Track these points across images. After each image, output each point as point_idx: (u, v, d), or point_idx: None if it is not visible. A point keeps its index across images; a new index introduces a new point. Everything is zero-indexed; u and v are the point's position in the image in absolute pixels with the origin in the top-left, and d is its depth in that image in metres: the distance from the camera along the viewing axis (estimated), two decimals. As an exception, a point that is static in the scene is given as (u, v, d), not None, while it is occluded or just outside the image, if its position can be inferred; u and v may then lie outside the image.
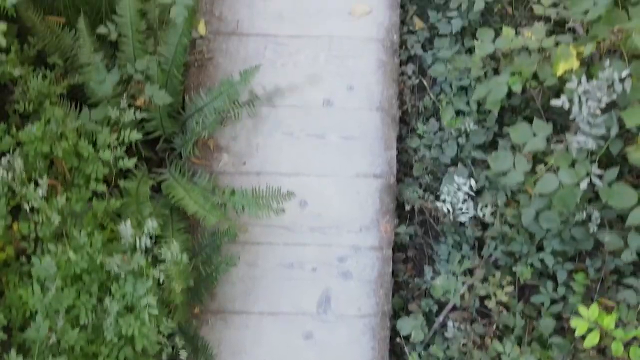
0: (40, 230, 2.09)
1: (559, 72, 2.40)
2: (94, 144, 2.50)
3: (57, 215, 2.04)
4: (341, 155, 2.97)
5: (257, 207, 2.47)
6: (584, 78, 2.19)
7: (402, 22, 3.18)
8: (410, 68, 3.14)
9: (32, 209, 2.06)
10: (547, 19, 2.90)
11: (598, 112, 2.14)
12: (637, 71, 2.10)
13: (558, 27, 2.91)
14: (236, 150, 2.97)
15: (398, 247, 2.98)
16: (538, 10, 2.85)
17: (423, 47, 3.17)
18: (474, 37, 3.09)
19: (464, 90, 3.07)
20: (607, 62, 2.11)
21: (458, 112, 2.96)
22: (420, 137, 3.05)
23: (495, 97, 2.46)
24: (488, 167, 2.84)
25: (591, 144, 2.25)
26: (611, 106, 2.24)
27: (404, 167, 3.08)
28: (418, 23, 3.19)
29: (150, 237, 2.14)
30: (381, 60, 3.02)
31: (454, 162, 2.97)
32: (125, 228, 2.05)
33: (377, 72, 3.01)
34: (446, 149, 2.95)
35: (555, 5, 2.88)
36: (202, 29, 2.98)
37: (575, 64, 2.38)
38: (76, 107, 2.70)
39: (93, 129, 2.56)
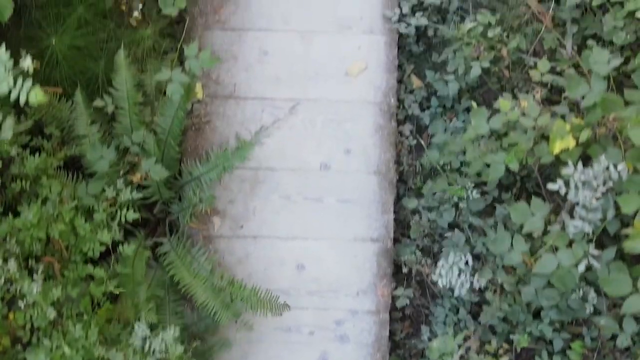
0: (36, 321, 2.09)
1: (556, 151, 2.40)
2: (91, 215, 2.51)
3: (52, 310, 2.04)
4: (338, 219, 2.97)
5: (253, 304, 2.47)
6: (580, 165, 2.19)
7: (400, 81, 3.17)
8: (407, 128, 3.14)
9: (27, 305, 2.06)
10: (544, 84, 2.91)
11: (594, 201, 2.14)
12: (634, 160, 2.10)
13: (556, 93, 2.91)
14: (233, 213, 2.97)
15: (395, 306, 2.97)
16: (535, 76, 2.85)
17: (420, 106, 3.16)
18: (472, 98, 3.10)
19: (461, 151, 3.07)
20: (602, 157, 2.11)
21: (459, 171, 2.95)
22: (418, 197, 3.04)
23: (494, 176, 2.46)
24: (486, 234, 2.84)
25: (588, 229, 2.24)
26: (608, 190, 2.24)
27: (401, 227, 3.08)
28: (416, 82, 3.18)
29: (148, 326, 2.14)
30: (378, 123, 3.02)
31: (452, 227, 2.97)
32: (124, 332, 2.05)
33: (375, 135, 3.01)
34: (444, 213, 2.95)
35: (552, 70, 2.88)
36: (199, 92, 2.98)
37: (571, 143, 2.37)
38: (73, 176, 2.70)
39: (90, 203, 2.56)
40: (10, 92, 1.91)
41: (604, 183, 2.12)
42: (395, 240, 3.04)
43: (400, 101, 3.15)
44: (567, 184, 2.30)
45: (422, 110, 3.16)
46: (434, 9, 3.09)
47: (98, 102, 2.66)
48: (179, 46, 2.78)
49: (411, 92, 3.18)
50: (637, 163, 2.09)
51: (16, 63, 2.00)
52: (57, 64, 2.63)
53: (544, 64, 2.85)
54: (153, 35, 2.70)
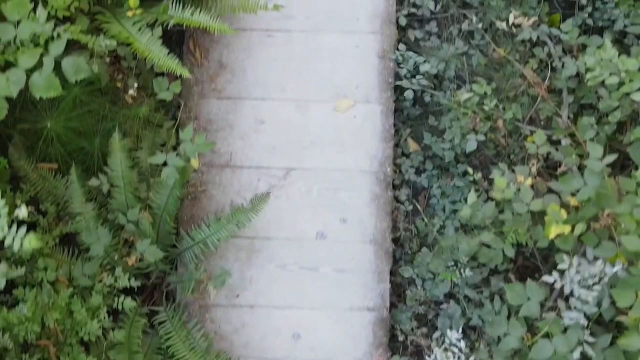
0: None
1: (551, 236, 2.40)
2: (89, 292, 2.51)
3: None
4: (334, 288, 2.97)
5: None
6: (575, 260, 2.19)
7: (397, 145, 3.17)
8: (404, 193, 3.13)
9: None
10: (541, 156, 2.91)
11: (590, 298, 2.14)
12: (628, 255, 2.10)
13: (553, 164, 2.91)
14: (229, 282, 2.96)
15: (392, 372, 2.98)
16: (531, 148, 2.85)
17: (417, 170, 3.16)
18: (468, 163, 3.10)
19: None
20: (599, 261, 2.11)
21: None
22: (414, 265, 3.04)
23: (490, 260, 2.46)
24: (482, 305, 2.84)
25: (583, 320, 2.25)
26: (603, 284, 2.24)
27: (397, 291, 3.08)
28: (412, 145, 3.18)
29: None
30: (374, 192, 3.02)
31: (448, 296, 2.97)
32: None
33: (371, 204, 3.01)
34: (439, 284, 2.95)
35: (548, 137, 2.88)
36: (195, 162, 2.97)
37: (567, 229, 2.38)
38: (69, 252, 2.70)
39: (86, 284, 2.56)
40: (4, 237, 1.90)
41: (599, 280, 2.12)
42: (392, 305, 3.04)
43: (396, 165, 3.15)
44: (562, 273, 2.30)
45: (419, 174, 3.16)
46: (430, 76, 3.09)
47: (93, 182, 2.66)
48: (175, 126, 2.78)
49: (407, 156, 3.18)
50: (632, 258, 2.10)
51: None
52: (52, 143, 2.63)
53: (539, 136, 2.85)
54: (148, 111, 2.70)
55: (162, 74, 2.71)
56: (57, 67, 1.98)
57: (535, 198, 2.59)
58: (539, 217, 2.54)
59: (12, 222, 1.92)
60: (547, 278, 2.29)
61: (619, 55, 2.76)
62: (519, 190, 2.65)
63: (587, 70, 2.52)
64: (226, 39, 3.03)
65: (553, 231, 2.41)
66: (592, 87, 2.93)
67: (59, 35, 2.07)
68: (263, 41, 3.04)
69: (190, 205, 3.00)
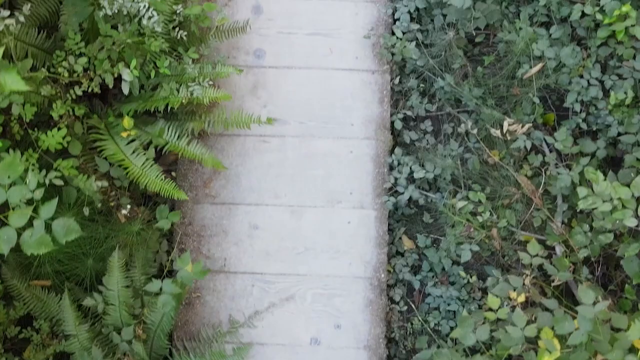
0: None
1: (544, 366, 2.40)
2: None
3: None
4: (329, 394, 2.97)
5: None
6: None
7: (391, 243, 3.17)
8: (398, 293, 3.13)
9: None
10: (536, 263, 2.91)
11: None
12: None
13: (547, 277, 2.92)
14: (224, 388, 2.97)
15: None
16: (525, 259, 2.86)
17: (412, 269, 3.16)
18: (463, 266, 3.10)
19: (453, 313, 3.08)
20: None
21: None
22: (409, 361, 3.06)
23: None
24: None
25: None
26: None
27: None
28: (407, 242, 3.18)
29: None
30: (369, 298, 3.02)
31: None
32: None
33: (365, 310, 3.01)
34: (434, 390, 2.95)
35: (542, 242, 2.89)
36: (189, 268, 2.97)
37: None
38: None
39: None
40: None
41: None
42: (388, 404, 3.05)
43: (390, 264, 3.15)
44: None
45: (414, 273, 3.16)
46: (424, 180, 3.09)
47: (88, 302, 2.66)
48: (172, 255, 2.79)
49: (402, 254, 3.18)
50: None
51: None
52: (46, 264, 2.63)
53: (533, 246, 2.86)
54: (141, 228, 2.70)
55: (157, 194, 2.71)
56: (48, 226, 1.98)
57: (530, 309, 2.59)
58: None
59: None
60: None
61: (608, 171, 2.79)
62: (513, 309, 2.65)
63: (580, 198, 2.52)
64: (220, 144, 3.03)
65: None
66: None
67: (50, 181, 2.07)
68: (257, 147, 3.04)
69: (184, 311, 2.99)
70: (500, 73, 3.08)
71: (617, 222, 2.59)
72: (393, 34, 3.08)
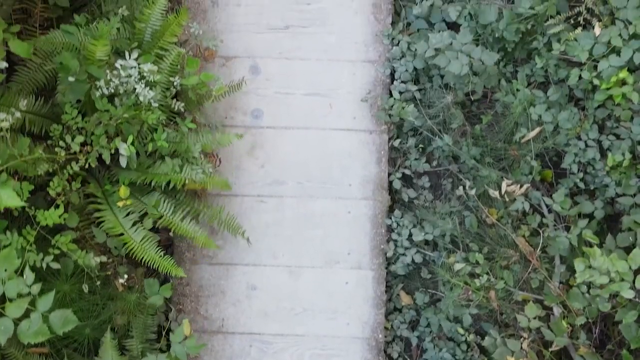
0: None
1: None
2: None
3: None
4: None
5: None
6: None
7: (389, 299, 3.17)
8: (395, 350, 3.13)
9: None
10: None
11: None
12: None
13: (545, 342, 2.91)
14: None
15: None
16: (522, 322, 2.86)
17: (410, 324, 3.16)
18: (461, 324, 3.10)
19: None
20: None
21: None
22: None
23: None
24: None
25: None
26: None
27: None
28: (404, 298, 3.18)
29: None
30: (366, 359, 3.02)
31: None
32: None
33: (363, 371, 3.02)
34: None
35: (539, 302, 2.89)
36: (187, 328, 2.97)
37: None
38: None
39: None
40: None
41: None
42: None
43: (388, 321, 3.15)
44: None
45: (412, 329, 3.16)
46: (422, 241, 3.09)
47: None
48: (170, 316, 2.79)
49: (400, 310, 3.18)
50: None
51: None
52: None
53: (530, 309, 2.86)
54: (138, 297, 2.70)
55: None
56: (45, 317, 1.98)
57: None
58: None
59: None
60: None
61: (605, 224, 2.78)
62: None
63: (578, 272, 2.52)
64: (217, 204, 3.02)
65: None
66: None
67: (48, 252, 2.07)
68: (255, 207, 3.04)
69: (182, 371, 2.99)
70: (499, 134, 3.07)
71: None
72: (391, 94, 3.07)
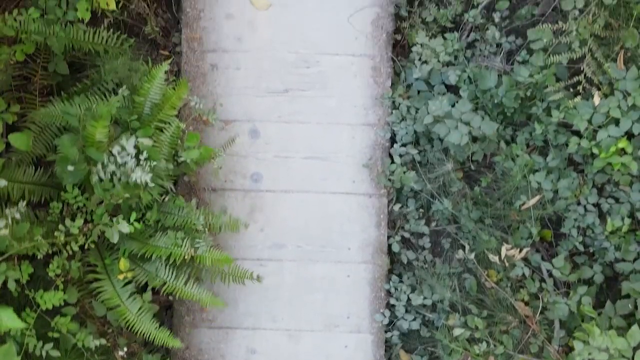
0: None
1: None
2: None
3: None
4: None
5: None
6: None
7: (389, 359, 3.17)
8: (396, 412, 3.14)
9: None
10: None
11: None
12: None
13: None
14: None
15: None
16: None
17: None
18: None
19: None
20: None
21: None
22: None
23: None
24: None
25: None
26: None
27: None
28: (404, 357, 3.18)
29: None
30: (366, 423, 3.03)
31: None
32: None
33: None
34: None
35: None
36: (186, 392, 2.98)
37: None
38: None
39: None
40: None
41: None
42: None
43: (386, 381, 3.16)
44: None
45: (412, 389, 3.16)
46: (421, 305, 3.09)
47: None
48: None
49: (399, 372, 3.18)
50: None
51: None
52: None
53: (530, 376, 2.86)
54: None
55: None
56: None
57: None
58: None
59: None
60: None
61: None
62: None
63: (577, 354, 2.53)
64: (217, 269, 3.02)
65: None
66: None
67: (48, 337, 2.07)
68: (255, 270, 3.03)
69: None
70: (499, 196, 3.08)
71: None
72: (391, 158, 3.07)
